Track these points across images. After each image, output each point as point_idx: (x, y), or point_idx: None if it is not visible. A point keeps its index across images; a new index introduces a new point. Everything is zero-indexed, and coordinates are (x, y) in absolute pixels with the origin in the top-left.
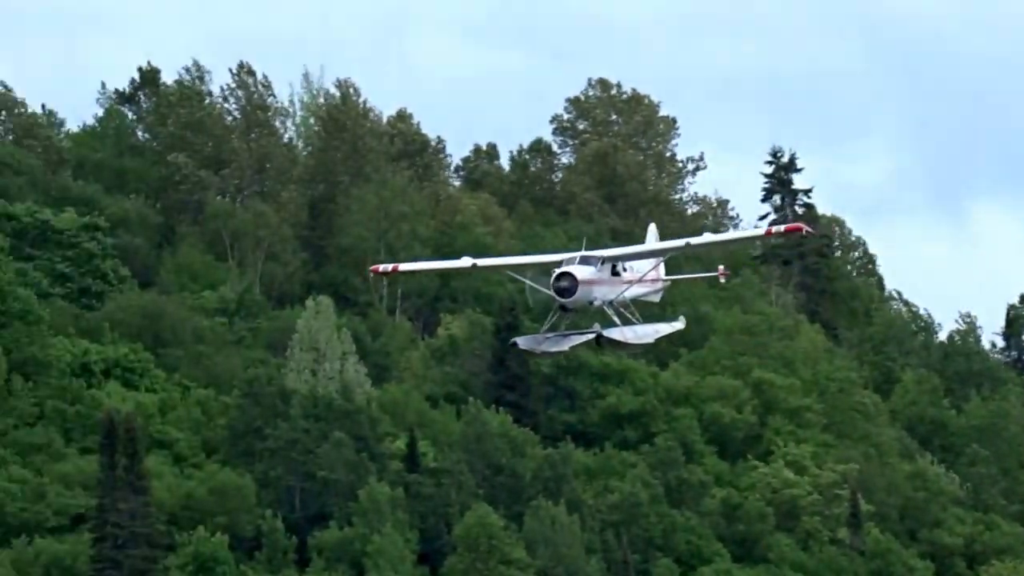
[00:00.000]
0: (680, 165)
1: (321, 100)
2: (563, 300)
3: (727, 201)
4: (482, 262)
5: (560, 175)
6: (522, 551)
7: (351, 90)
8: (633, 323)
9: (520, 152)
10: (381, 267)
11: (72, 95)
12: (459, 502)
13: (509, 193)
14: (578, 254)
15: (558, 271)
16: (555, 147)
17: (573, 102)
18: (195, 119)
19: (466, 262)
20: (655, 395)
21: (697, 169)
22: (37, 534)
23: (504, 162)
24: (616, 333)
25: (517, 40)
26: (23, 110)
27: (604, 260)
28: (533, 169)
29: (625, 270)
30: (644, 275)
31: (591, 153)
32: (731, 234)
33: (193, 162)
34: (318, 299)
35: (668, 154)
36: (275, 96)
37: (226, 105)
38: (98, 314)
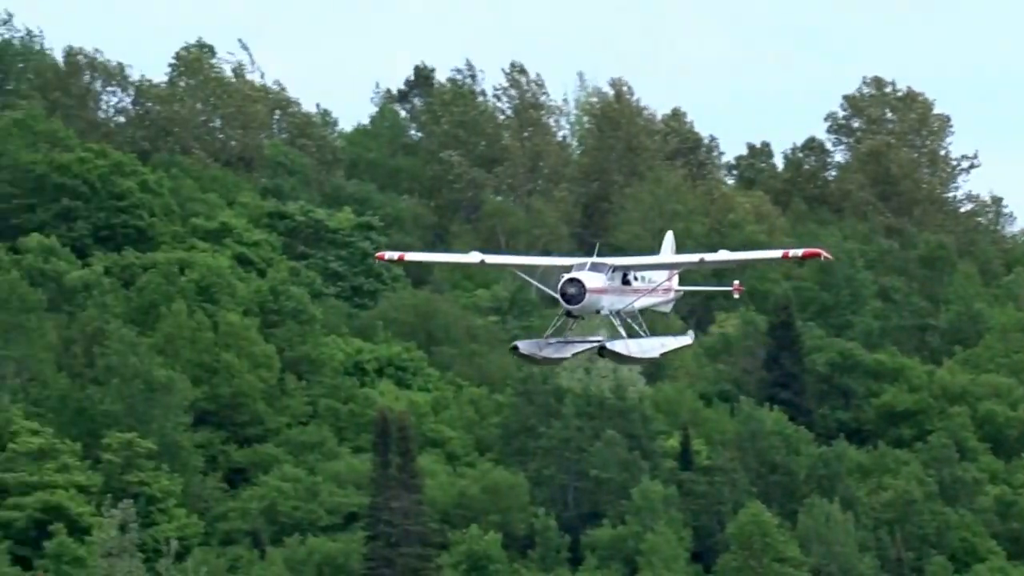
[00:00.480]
0: (954, 163)
1: (595, 99)
2: (569, 306)
3: (1001, 199)
4: (490, 259)
5: (834, 173)
6: (796, 549)
7: (624, 88)
8: (639, 336)
9: (794, 150)
10: (387, 254)
11: (346, 95)
12: (732, 500)
13: (782, 191)
14: (589, 260)
15: (567, 276)
16: (828, 145)
17: (848, 100)
18: (468, 118)
19: (474, 257)
20: (929, 393)
21: (971, 167)
22: (310, 532)
23: (778, 160)
24: (620, 346)
25: (790, 38)
26: (297, 110)
27: (615, 268)
28: (807, 167)
29: (636, 280)
30: (658, 286)
31: (865, 151)
32: (746, 254)
33: (466, 161)
34: None
35: (942, 152)
36: (548, 95)
37: (498, 104)
38: (371, 313)
